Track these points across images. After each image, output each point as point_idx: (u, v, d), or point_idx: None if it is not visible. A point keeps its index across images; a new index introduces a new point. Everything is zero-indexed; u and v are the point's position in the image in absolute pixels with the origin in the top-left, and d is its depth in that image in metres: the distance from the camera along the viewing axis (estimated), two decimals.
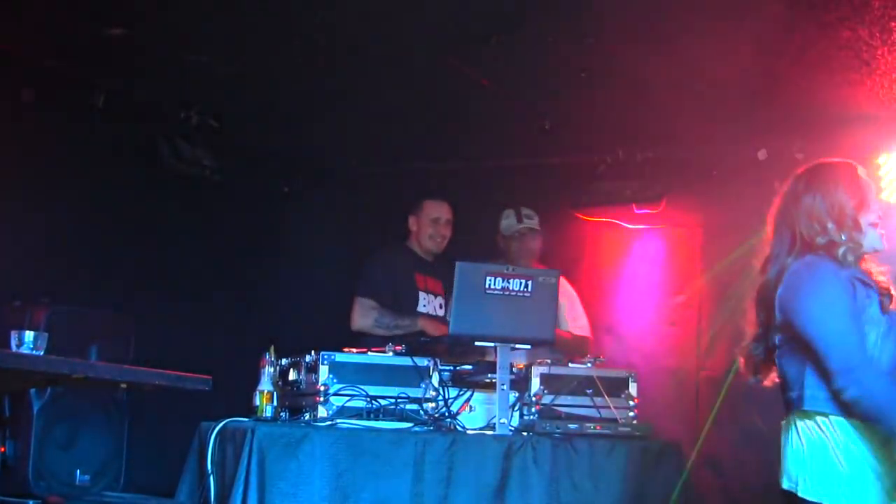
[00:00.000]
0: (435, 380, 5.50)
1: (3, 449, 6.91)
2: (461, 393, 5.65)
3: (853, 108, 7.10)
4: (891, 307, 3.98)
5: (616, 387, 5.81)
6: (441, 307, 7.09)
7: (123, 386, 6.78)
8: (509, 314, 5.54)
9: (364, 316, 6.83)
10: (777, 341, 4.06)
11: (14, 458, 6.98)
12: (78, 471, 7.27)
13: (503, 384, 5.51)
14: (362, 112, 7.97)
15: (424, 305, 7.02)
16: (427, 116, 8.05)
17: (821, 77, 6.70)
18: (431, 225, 7.20)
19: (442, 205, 7.28)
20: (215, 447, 5.12)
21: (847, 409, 3.80)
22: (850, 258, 3.98)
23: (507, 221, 7.47)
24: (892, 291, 4.04)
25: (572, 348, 6.94)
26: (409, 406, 5.41)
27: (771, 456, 7.69)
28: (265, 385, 5.42)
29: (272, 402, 5.41)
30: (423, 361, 5.51)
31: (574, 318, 7.36)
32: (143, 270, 7.96)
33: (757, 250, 4.23)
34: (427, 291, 7.06)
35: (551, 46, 6.59)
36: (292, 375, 5.61)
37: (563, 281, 7.23)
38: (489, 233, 7.54)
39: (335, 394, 5.29)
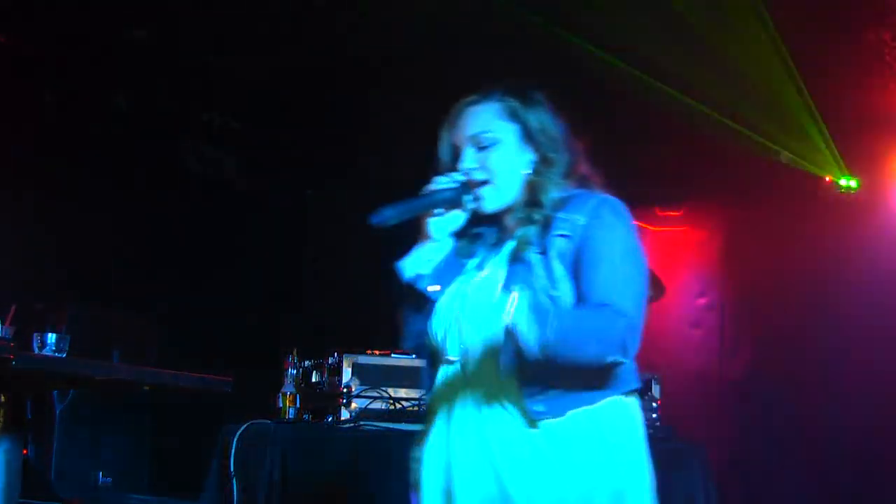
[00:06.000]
0: None
1: (25, 451, 6.92)
2: None
3: (877, 110, 7.08)
4: None
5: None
6: None
7: (146, 388, 6.80)
8: None
9: None
10: None
11: (36, 461, 6.99)
12: (101, 473, 7.29)
13: None
14: (387, 115, 7.96)
15: None
16: None
17: (844, 80, 6.69)
18: None
19: None
20: (238, 449, 5.11)
21: None
22: None
23: None
24: None
25: None
26: None
27: (794, 458, 7.70)
28: (288, 387, 5.42)
29: (295, 404, 5.41)
30: None
31: None
32: (165, 272, 7.96)
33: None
34: None
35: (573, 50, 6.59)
36: (315, 377, 5.59)
37: None
38: None
39: (358, 396, 5.27)
